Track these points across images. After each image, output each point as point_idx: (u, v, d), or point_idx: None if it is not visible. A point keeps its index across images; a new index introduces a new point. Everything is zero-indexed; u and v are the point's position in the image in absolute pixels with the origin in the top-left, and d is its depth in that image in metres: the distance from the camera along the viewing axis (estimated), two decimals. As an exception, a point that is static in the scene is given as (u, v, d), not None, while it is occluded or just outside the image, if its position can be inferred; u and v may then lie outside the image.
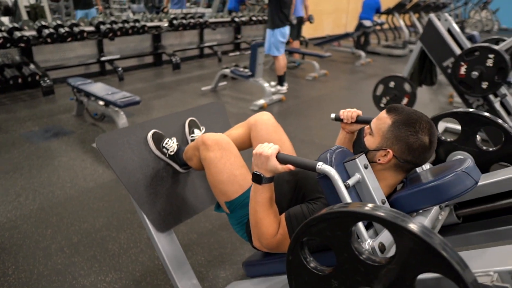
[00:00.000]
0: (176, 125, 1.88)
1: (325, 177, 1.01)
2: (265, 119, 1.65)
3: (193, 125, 1.89)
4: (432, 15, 3.24)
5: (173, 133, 1.83)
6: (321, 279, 0.80)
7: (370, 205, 0.74)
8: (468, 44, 3.31)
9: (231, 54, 7.35)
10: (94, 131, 3.52)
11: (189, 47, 6.69)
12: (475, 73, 2.84)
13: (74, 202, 2.41)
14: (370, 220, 0.72)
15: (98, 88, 3.50)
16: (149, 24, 5.52)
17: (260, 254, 1.50)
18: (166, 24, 5.79)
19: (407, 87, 3.49)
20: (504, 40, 3.43)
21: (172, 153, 1.71)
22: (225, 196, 1.40)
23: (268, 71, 6.09)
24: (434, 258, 0.62)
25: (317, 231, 0.78)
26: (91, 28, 4.85)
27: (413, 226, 0.64)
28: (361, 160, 1.05)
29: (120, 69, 5.22)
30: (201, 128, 1.90)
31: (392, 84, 3.53)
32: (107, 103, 3.28)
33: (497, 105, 3.10)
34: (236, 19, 6.97)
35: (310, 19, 6.40)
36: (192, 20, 6.04)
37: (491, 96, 3.07)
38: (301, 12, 6.17)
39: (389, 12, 8.15)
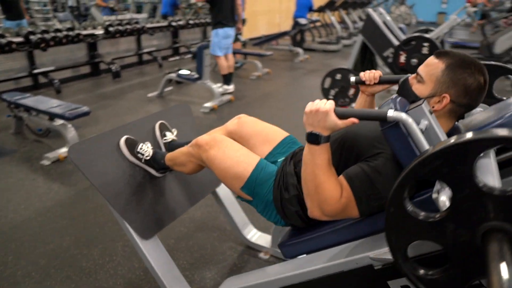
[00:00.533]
0: (146, 129, 1.83)
1: (394, 126, 0.97)
2: (243, 120, 1.63)
3: (164, 128, 1.85)
4: (370, 10, 3.48)
5: (145, 137, 1.77)
6: (431, 226, 0.74)
7: (498, 129, 0.69)
8: (402, 35, 3.59)
9: (171, 59, 7.22)
10: (39, 148, 3.28)
11: (127, 54, 6.46)
12: (414, 61, 3.10)
13: (33, 223, 2.23)
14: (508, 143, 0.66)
15: (39, 101, 3.26)
16: (84, 32, 5.24)
17: (295, 233, 1.39)
18: (101, 32, 5.54)
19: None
20: (432, 30, 3.78)
21: (148, 158, 1.66)
22: (238, 180, 1.34)
23: (212, 73, 6.07)
24: None
25: (431, 171, 0.72)
26: (20, 39, 4.50)
27: None
28: (426, 106, 0.99)
29: (56, 81, 4.90)
30: (172, 130, 1.87)
31: (338, 76, 3.72)
32: (52, 116, 3.08)
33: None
34: (173, 24, 6.86)
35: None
36: (128, 26, 5.84)
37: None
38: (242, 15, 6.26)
39: (321, 9, 8.52)
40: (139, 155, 1.66)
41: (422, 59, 3.13)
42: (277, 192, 1.30)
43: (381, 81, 1.39)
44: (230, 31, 4.71)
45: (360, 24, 10.00)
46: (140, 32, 6.12)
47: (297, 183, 1.27)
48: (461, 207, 0.72)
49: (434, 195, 0.83)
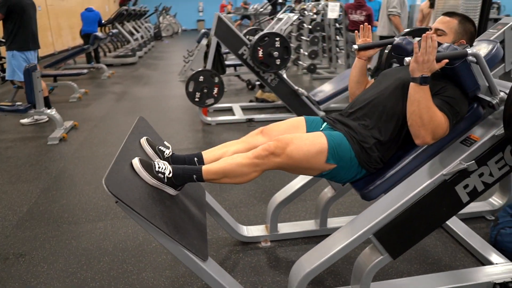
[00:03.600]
0: (135, 150, 1.57)
1: (464, 61, 1.37)
2: (268, 129, 1.69)
3: (153, 144, 1.64)
4: (219, 14, 3.75)
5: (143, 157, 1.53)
6: None
7: None
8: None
9: None
10: None
11: None
12: (276, 53, 3.60)
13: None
14: None
15: None
16: None
17: (371, 178, 1.57)
18: None
19: (214, 78, 3.90)
20: (262, 30, 4.40)
21: (170, 175, 1.47)
22: (322, 155, 1.47)
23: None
24: None
25: None
26: None
27: None
28: None
29: None
30: (165, 143, 1.68)
31: (201, 78, 3.85)
32: None
33: (285, 76, 4.03)
34: None
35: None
36: None
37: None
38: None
39: (110, 22, 8.14)
40: (159, 174, 1.44)
41: (279, 51, 3.67)
42: (357, 146, 1.51)
43: (374, 45, 1.76)
44: (32, 55, 4.10)
45: (139, 34, 10.02)
46: None
47: (371, 133, 1.53)
48: None
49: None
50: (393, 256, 1.50)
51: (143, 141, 1.63)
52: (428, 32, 1.38)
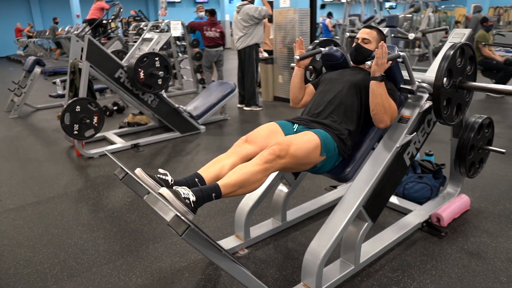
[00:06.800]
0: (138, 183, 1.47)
1: (396, 61, 1.82)
2: (250, 137, 1.80)
3: (151, 173, 1.54)
4: (88, 36, 3.44)
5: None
6: (446, 91, 1.82)
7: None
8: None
9: None
10: None
11: None
12: (161, 73, 3.55)
13: None
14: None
15: None
16: None
17: (344, 164, 1.90)
18: None
19: (92, 106, 3.55)
20: (126, 53, 4.23)
21: (195, 200, 1.44)
22: (318, 149, 1.71)
23: None
24: None
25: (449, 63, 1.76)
26: None
27: None
28: None
29: None
30: (160, 170, 1.59)
31: (78, 108, 3.45)
32: None
33: (165, 96, 4.00)
34: None
35: None
36: None
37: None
38: None
39: None
40: (186, 200, 1.41)
41: (160, 70, 3.64)
42: (337, 138, 1.80)
43: (310, 55, 2.10)
44: None
45: None
46: None
47: (343, 126, 1.85)
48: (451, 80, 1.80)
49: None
50: (373, 220, 1.86)
51: (139, 172, 1.51)
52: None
